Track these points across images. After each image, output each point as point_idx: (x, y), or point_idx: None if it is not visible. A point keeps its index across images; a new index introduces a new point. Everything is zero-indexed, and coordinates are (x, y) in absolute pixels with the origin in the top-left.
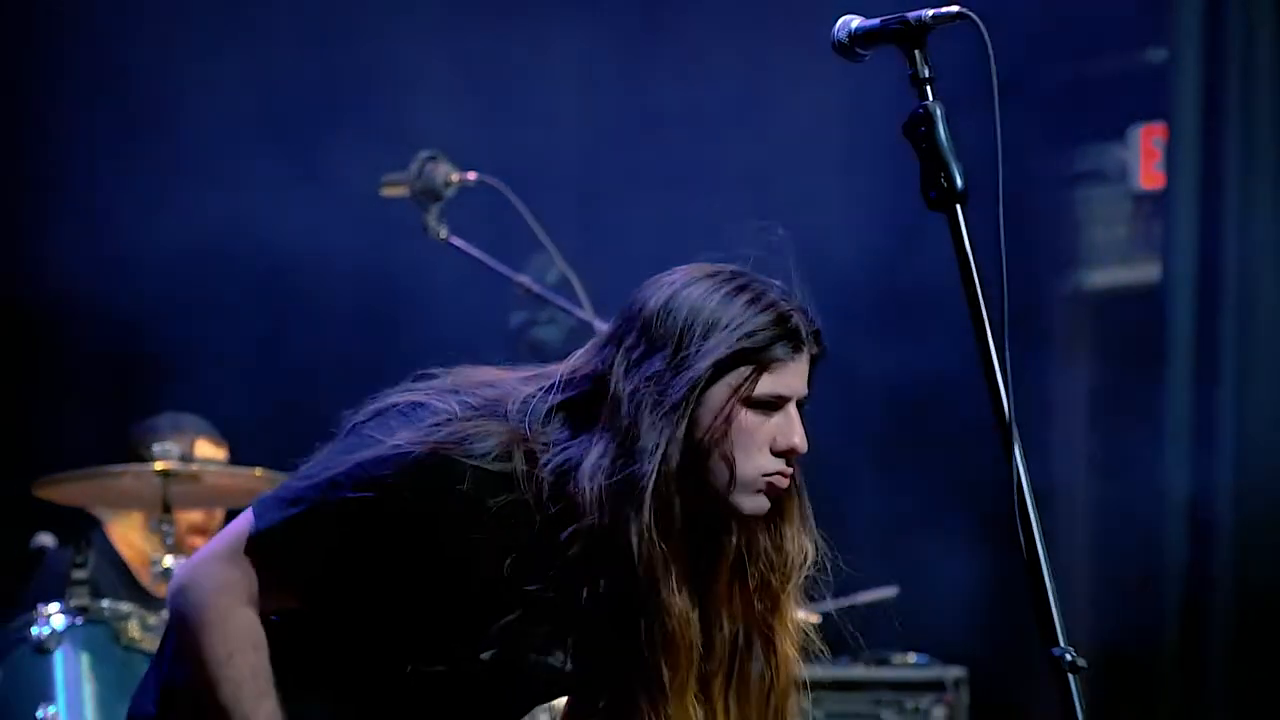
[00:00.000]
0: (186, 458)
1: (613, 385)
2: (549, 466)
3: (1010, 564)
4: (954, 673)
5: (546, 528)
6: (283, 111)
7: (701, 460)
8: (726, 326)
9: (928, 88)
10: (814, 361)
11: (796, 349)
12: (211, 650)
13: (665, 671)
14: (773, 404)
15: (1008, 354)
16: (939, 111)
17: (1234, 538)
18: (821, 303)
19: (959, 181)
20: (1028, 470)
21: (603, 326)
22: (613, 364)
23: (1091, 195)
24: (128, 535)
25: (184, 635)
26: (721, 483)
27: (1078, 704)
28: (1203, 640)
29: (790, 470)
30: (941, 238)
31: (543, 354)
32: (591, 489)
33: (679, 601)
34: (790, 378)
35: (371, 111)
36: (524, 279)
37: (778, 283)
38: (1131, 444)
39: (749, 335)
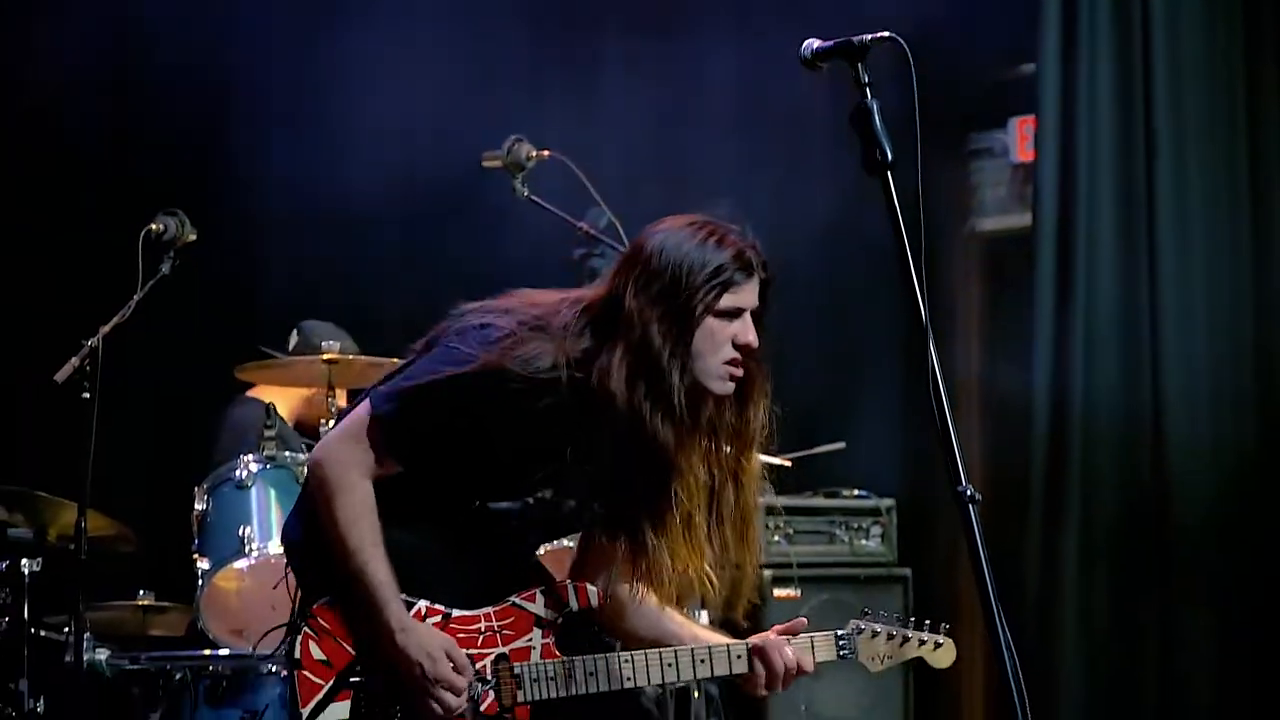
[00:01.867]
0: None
1: (626, 305)
2: (582, 369)
3: (925, 426)
4: (886, 503)
5: (582, 413)
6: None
7: (686, 357)
8: (700, 262)
9: (866, 89)
10: (765, 284)
11: (749, 274)
12: (340, 512)
13: (668, 511)
14: (733, 314)
15: (924, 279)
16: (875, 106)
17: (1082, 405)
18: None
19: (889, 155)
20: (939, 362)
21: None
22: (624, 289)
23: (983, 166)
24: (272, 399)
25: (320, 497)
26: (699, 371)
27: (976, 526)
28: (1061, 472)
29: (743, 362)
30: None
31: (596, 278)
32: (614, 384)
33: (680, 461)
34: (745, 295)
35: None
36: (584, 224)
37: (735, 227)
38: (1010, 345)
39: (716, 268)
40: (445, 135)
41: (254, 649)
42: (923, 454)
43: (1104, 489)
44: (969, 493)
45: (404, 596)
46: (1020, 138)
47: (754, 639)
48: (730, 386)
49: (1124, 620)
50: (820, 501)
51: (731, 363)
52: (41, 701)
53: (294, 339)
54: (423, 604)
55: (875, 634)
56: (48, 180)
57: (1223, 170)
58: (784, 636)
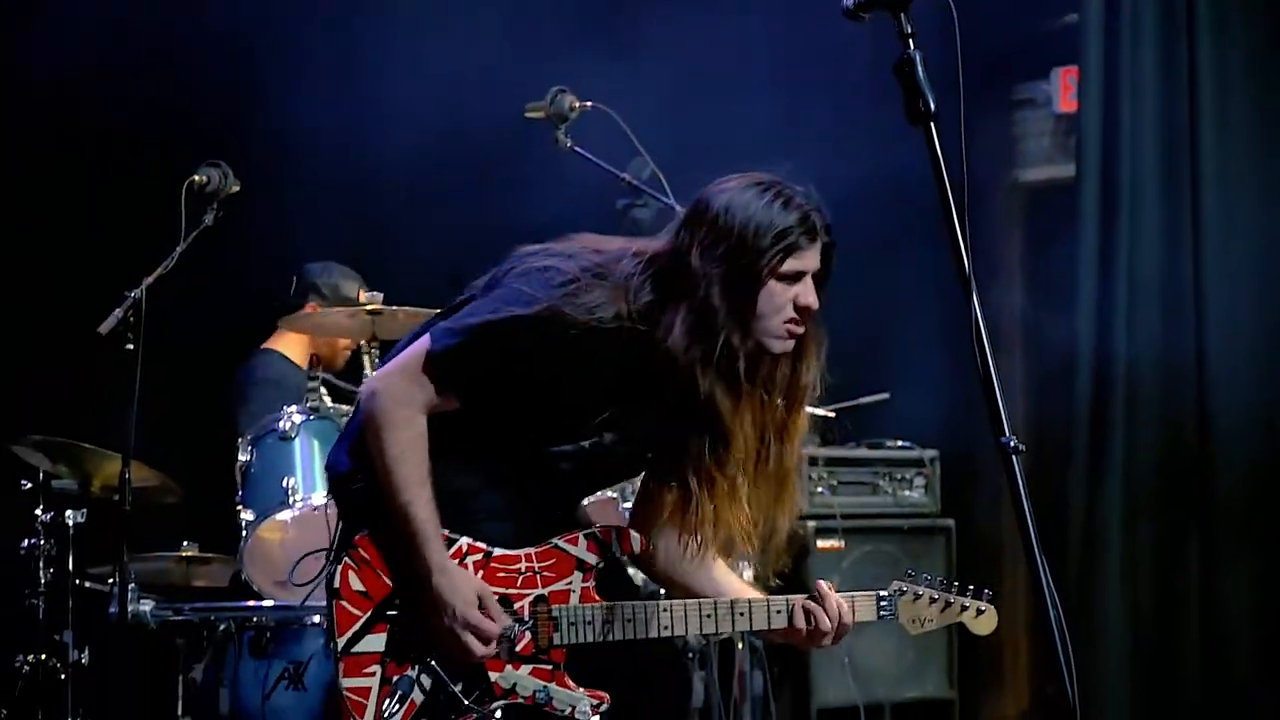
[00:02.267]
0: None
1: (691, 263)
2: (643, 321)
3: (968, 377)
4: (929, 454)
5: (640, 364)
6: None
7: (749, 318)
8: (767, 225)
9: (909, 40)
10: (828, 248)
11: (812, 238)
12: (390, 448)
13: (717, 471)
14: (795, 277)
15: (967, 230)
16: (917, 56)
17: (1126, 356)
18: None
19: (932, 106)
20: (982, 313)
21: (680, 210)
22: (689, 247)
23: (1026, 116)
24: (291, 349)
25: (370, 430)
26: (759, 331)
27: (1019, 477)
28: (1104, 423)
29: (803, 322)
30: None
31: (638, 228)
32: (675, 342)
33: (733, 424)
34: (808, 258)
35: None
36: (627, 175)
37: (800, 188)
38: (1053, 296)
39: (782, 231)
40: (488, 87)
41: (289, 579)
42: (966, 405)
43: (1147, 439)
44: (1012, 444)
45: (446, 533)
46: (1063, 88)
47: (798, 597)
48: (789, 345)
49: (1166, 570)
50: (864, 452)
51: (791, 323)
52: (86, 653)
53: (296, 284)
54: (465, 541)
55: (917, 596)
56: (91, 132)
57: (1269, 120)
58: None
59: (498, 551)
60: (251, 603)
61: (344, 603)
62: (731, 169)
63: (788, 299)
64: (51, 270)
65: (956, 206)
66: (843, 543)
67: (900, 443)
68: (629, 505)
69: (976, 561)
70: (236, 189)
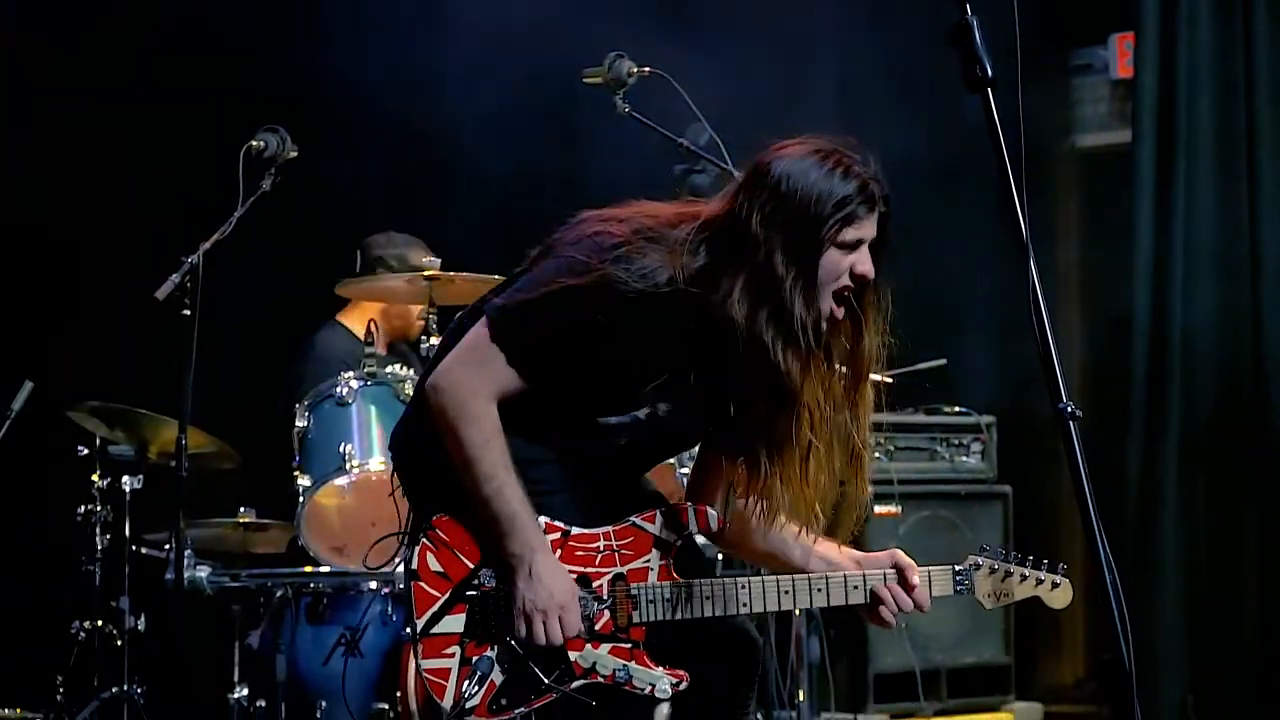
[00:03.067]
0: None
1: (750, 228)
2: (698, 284)
3: (1025, 342)
4: (986, 420)
5: (697, 330)
6: None
7: (811, 286)
8: (827, 193)
9: (966, 6)
10: (885, 217)
11: (870, 208)
12: (472, 438)
13: (787, 440)
14: (853, 246)
15: (1024, 195)
16: (974, 22)
17: (1183, 319)
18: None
19: (990, 72)
20: (1039, 278)
21: (738, 174)
22: (749, 213)
23: (1083, 82)
24: (358, 323)
25: (445, 424)
26: (817, 295)
27: (1077, 443)
28: (1161, 387)
29: (860, 290)
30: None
31: (697, 194)
32: (736, 310)
33: (804, 392)
34: (866, 227)
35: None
36: (685, 140)
37: (859, 156)
38: (1110, 262)
39: (841, 200)
40: (546, 51)
41: (364, 561)
42: (1023, 370)
43: (1203, 403)
44: (1070, 409)
45: None
46: (1120, 54)
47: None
48: (841, 311)
49: (1223, 530)
50: (921, 418)
51: (843, 290)
52: (142, 619)
53: (362, 258)
54: (543, 520)
55: (993, 570)
56: (149, 97)
57: None
58: (900, 572)
59: (575, 530)
60: (308, 569)
61: (422, 584)
62: (790, 134)
63: (845, 267)
64: (108, 236)
65: (1014, 172)
66: (899, 509)
67: (957, 408)
68: (686, 470)
69: (1033, 527)
70: (294, 154)
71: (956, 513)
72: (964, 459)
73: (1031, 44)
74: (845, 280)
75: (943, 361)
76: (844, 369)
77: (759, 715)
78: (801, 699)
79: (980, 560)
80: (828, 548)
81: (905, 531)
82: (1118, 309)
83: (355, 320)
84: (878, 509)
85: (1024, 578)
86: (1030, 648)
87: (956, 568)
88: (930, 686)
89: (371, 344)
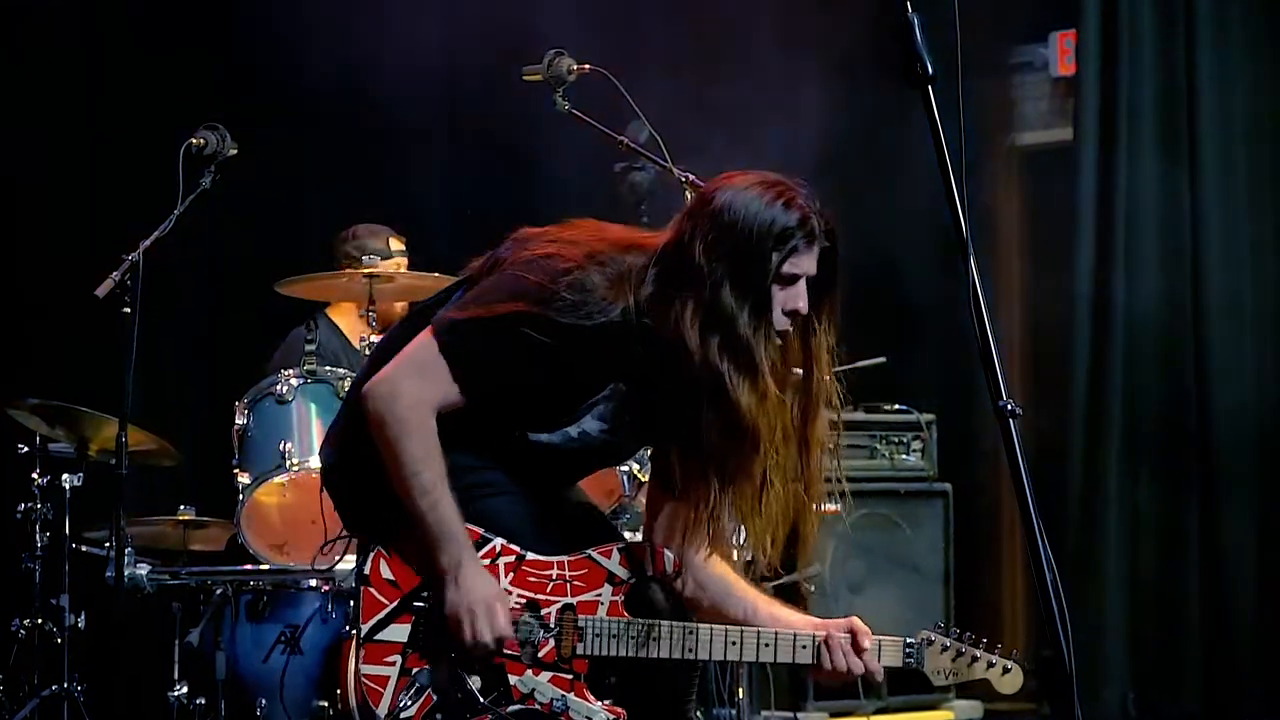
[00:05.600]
0: (385, 254)
1: (695, 258)
2: (648, 315)
3: (966, 340)
4: (927, 418)
5: (644, 356)
6: None
7: (758, 314)
8: (768, 225)
9: (908, 3)
10: (827, 254)
11: (810, 242)
12: (411, 451)
13: (740, 471)
14: (790, 279)
15: (964, 193)
16: (916, 19)
17: (1125, 317)
18: None
19: (930, 69)
20: (980, 276)
21: (677, 172)
22: (692, 241)
23: (1024, 80)
24: (344, 316)
25: (383, 435)
26: (771, 327)
27: (1017, 441)
28: (1103, 383)
29: (792, 325)
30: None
31: (637, 191)
32: (689, 340)
33: (759, 423)
34: (805, 262)
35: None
36: (624, 138)
37: (804, 188)
38: (1051, 259)
39: (782, 233)
40: (485, 49)
41: (313, 563)
42: (964, 368)
43: (1146, 398)
44: (1010, 407)
45: (480, 532)
46: (1061, 51)
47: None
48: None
49: (1166, 526)
50: (861, 416)
51: (781, 330)
52: (82, 616)
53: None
54: (499, 542)
55: (944, 649)
56: (87, 94)
57: (1268, 84)
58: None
59: (530, 556)
60: (248, 566)
61: (372, 589)
62: (729, 133)
63: (779, 302)
64: (47, 234)
65: (954, 170)
66: (840, 506)
67: (898, 406)
68: (626, 470)
69: (974, 524)
70: (234, 152)
71: (897, 510)
72: (904, 457)
73: (972, 42)
74: (779, 318)
75: (882, 359)
76: (797, 405)
77: (698, 714)
78: (741, 697)
79: (932, 636)
80: (781, 609)
81: (845, 529)
82: (1059, 306)
83: (341, 314)
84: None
85: (975, 659)
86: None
87: (908, 640)
88: (870, 685)
89: (313, 339)
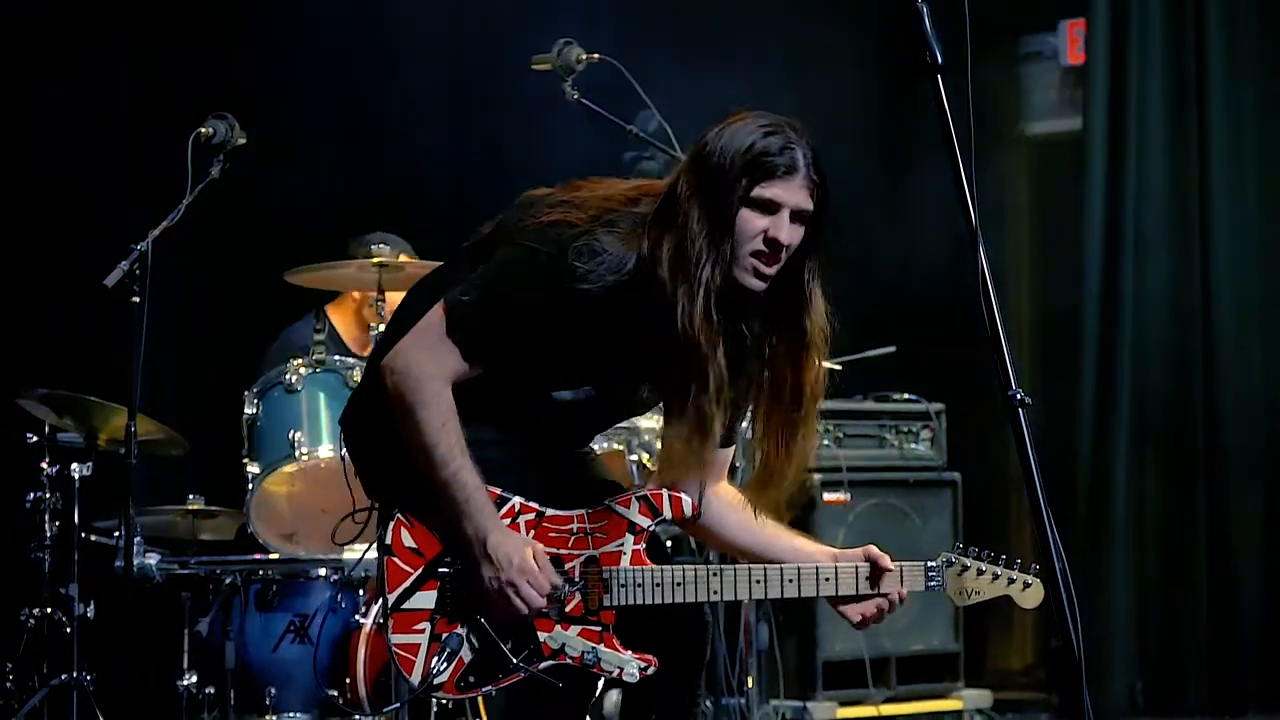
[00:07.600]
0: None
1: (677, 194)
2: (644, 265)
3: (975, 329)
4: (935, 407)
5: (642, 305)
6: None
7: (722, 244)
8: (742, 147)
9: None
10: (818, 188)
11: (791, 169)
12: (429, 421)
13: (703, 394)
14: (768, 206)
15: (974, 183)
16: (925, 8)
17: (1134, 306)
18: None
19: (939, 59)
20: (989, 266)
21: None
22: (679, 180)
23: (1033, 69)
24: (343, 316)
25: (401, 408)
26: (734, 260)
27: (1026, 430)
28: (1112, 373)
29: (774, 260)
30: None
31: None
32: (662, 273)
33: (704, 354)
34: (782, 190)
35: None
36: (633, 127)
37: (798, 124)
38: (1060, 249)
39: (751, 152)
40: (494, 39)
41: (333, 537)
42: (973, 358)
43: (1154, 388)
44: (1019, 397)
45: (498, 492)
46: (1070, 40)
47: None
48: (759, 284)
49: (1173, 517)
50: (870, 405)
51: (757, 256)
52: (91, 606)
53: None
54: (517, 500)
55: (965, 569)
56: (100, 85)
57: (1278, 72)
58: (873, 564)
59: (550, 512)
60: (258, 556)
61: (395, 559)
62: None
63: (757, 229)
64: (57, 223)
65: (963, 159)
66: (848, 496)
67: (907, 395)
68: (634, 459)
69: (983, 514)
70: (243, 141)
71: (905, 500)
72: (913, 446)
73: (982, 31)
74: (759, 245)
75: (892, 349)
76: (785, 348)
77: (707, 702)
78: (750, 686)
79: (953, 558)
80: (801, 540)
81: (854, 519)
82: (1068, 295)
83: (340, 314)
84: (826, 496)
85: (995, 576)
86: (980, 635)
87: (929, 564)
88: (879, 674)
89: (322, 328)
